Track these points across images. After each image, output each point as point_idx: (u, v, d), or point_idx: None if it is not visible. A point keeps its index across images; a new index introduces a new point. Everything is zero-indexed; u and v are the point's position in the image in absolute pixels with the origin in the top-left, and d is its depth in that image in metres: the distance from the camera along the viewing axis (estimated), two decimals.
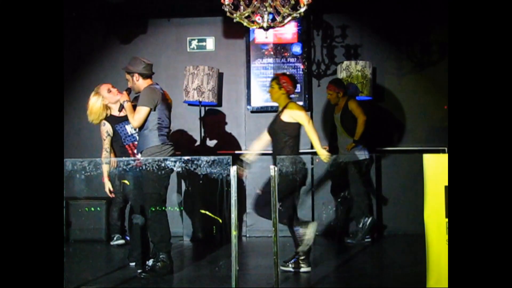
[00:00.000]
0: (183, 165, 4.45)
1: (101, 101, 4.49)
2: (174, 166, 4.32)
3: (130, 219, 4.69)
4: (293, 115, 4.30)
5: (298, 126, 4.31)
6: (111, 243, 5.61)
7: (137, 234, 4.47)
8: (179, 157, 4.40)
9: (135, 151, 4.39)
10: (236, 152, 5.97)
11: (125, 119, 4.45)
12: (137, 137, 4.41)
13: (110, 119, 4.50)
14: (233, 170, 3.36)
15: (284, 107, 4.36)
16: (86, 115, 6.12)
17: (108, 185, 4.47)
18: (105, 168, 4.45)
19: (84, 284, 4.00)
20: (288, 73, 4.60)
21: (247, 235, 5.86)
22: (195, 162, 4.18)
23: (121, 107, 4.33)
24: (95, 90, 4.57)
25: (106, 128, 4.47)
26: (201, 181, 5.73)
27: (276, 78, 4.42)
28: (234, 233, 3.37)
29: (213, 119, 6.29)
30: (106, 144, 4.48)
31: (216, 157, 4.15)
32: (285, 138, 4.30)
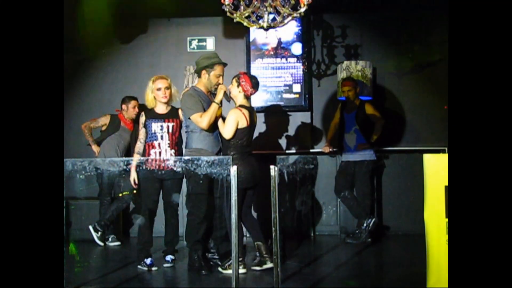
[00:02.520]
0: (183, 165, 4.46)
1: (151, 91, 4.47)
2: (175, 166, 4.33)
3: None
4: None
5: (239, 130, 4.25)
6: (107, 243, 5.62)
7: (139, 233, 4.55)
8: (179, 157, 4.41)
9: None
10: None
11: (157, 117, 4.44)
12: (159, 137, 4.39)
13: (147, 112, 4.50)
14: (233, 170, 3.35)
15: None
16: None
17: (134, 176, 4.43)
18: (135, 158, 4.43)
19: (84, 284, 3.99)
20: (251, 74, 4.47)
21: (247, 235, 5.86)
22: (195, 162, 4.19)
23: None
24: (155, 78, 4.49)
25: (143, 120, 4.47)
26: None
27: (237, 76, 4.33)
28: (234, 233, 3.37)
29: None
30: (141, 134, 4.46)
31: (216, 157, 4.16)
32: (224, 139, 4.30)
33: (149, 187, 4.42)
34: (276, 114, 6.26)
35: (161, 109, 4.47)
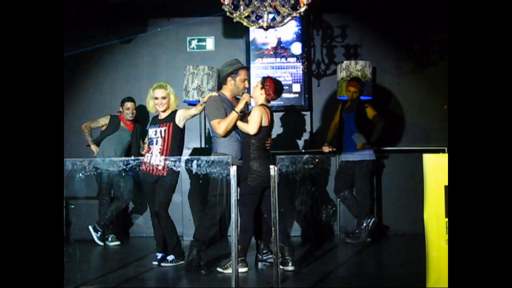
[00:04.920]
0: (183, 165, 4.46)
1: (151, 98, 4.54)
2: (174, 166, 4.34)
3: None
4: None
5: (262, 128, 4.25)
6: (107, 243, 5.63)
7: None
8: (178, 157, 4.42)
9: None
10: None
11: (154, 122, 4.55)
12: (154, 141, 4.45)
13: (152, 119, 4.66)
14: (233, 170, 3.35)
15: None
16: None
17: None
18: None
19: (84, 284, 3.99)
20: (278, 79, 4.46)
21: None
22: (195, 162, 4.19)
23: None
24: (155, 87, 4.57)
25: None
26: (201, 181, 5.73)
27: (263, 78, 4.37)
28: (234, 233, 3.37)
29: None
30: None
31: (216, 157, 4.16)
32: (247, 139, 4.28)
33: (145, 188, 4.57)
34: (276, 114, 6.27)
35: (162, 114, 4.55)
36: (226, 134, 4.26)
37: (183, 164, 4.50)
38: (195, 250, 4.27)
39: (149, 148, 4.51)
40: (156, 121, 4.54)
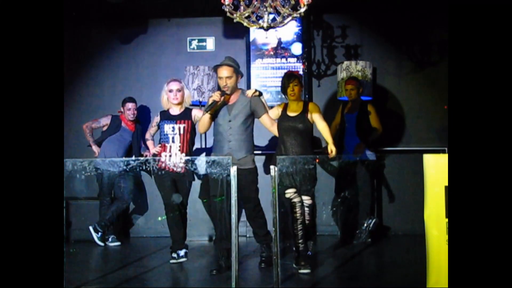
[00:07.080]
0: (183, 165, 4.46)
1: (165, 92, 4.65)
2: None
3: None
4: (314, 117, 4.41)
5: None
6: (107, 243, 5.63)
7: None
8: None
9: None
10: None
11: (169, 118, 4.59)
12: (170, 138, 4.51)
13: (162, 114, 4.69)
14: (233, 170, 3.36)
15: (307, 107, 4.44)
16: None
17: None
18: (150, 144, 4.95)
19: (84, 284, 4.00)
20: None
21: (247, 235, 5.86)
22: (195, 162, 4.19)
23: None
24: (169, 81, 4.68)
25: (157, 120, 4.71)
26: (201, 181, 5.73)
27: (298, 77, 4.43)
28: (234, 233, 3.37)
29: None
30: (152, 130, 4.85)
31: (216, 157, 4.16)
32: (307, 138, 4.41)
33: (164, 186, 4.57)
34: None
35: (175, 110, 4.62)
36: (203, 132, 4.42)
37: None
38: (265, 245, 4.43)
39: (164, 145, 4.56)
40: (171, 117, 4.58)
